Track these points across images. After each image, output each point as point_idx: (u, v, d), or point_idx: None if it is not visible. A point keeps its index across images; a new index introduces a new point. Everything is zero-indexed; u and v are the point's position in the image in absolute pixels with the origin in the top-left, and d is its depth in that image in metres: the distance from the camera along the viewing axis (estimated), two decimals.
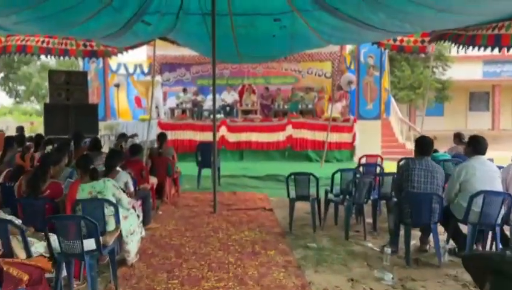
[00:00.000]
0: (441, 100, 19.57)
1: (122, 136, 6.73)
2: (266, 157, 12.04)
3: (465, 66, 19.74)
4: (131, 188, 4.71)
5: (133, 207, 4.69)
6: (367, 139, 11.86)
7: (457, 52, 20.56)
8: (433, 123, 19.31)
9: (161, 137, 6.99)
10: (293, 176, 5.36)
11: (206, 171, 8.26)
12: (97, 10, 5.69)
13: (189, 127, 12.12)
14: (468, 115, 22.87)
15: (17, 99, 30.58)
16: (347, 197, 5.02)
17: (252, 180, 8.94)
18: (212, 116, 12.48)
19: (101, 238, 3.43)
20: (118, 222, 3.87)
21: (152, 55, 15.49)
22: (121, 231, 3.92)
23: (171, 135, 12.03)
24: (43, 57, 9.94)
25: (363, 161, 7.36)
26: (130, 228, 4.08)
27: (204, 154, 7.91)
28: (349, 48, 15.94)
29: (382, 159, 7.14)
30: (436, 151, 6.87)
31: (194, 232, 5.31)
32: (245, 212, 6.28)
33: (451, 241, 4.51)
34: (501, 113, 21.69)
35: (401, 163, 4.37)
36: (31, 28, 6.04)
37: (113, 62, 14.73)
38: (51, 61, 28.88)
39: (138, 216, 4.69)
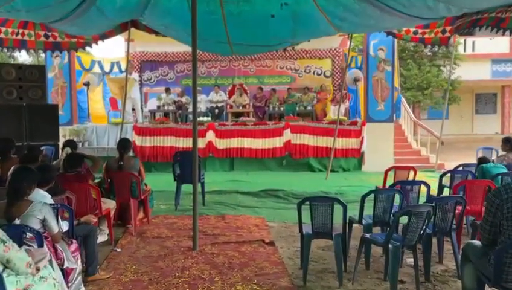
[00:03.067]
0: (449, 102, 18.07)
1: (69, 143, 4.96)
2: (261, 166, 10.37)
3: (473, 66, 18.30)
4: (54, 229, 2.95)
5: (60, 259, 2.95)
6: (378, 145, 10.23)
7: (464, 50, 19.30)
8: (438, 127, 17.88)
9: (122, 145, 5.20)
10: (308, 202, 3.61)
11: (188, 187, 6.55)
12: None
13: (171, 132, 10.36)
14: (474, 118, 21.41)
15: None
16: (393, 235, 3.30)
17: (245, 197, 7.22)
18: (198, 119, 10.89)
19: None
20: None
21: (132, 52, 13.89)
22: None
23: (149, 142, 10.32)
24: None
25: (391, 176, 5.65)
26: None
27: (184, 166, 6.16)
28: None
29: (416, 171, 5.46)
30: (486, 160, 5.25)
31: (161, 287, 3.57)
32: (237, 247, 4.54)
33: None
34: (510, 116, 20.25)
35: (494, 191, 2.65)
36: None
37: (86, 59, 12.99)
38: (27, 61, 26.86)
39: (64, 272, 2.95)
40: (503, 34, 6.49)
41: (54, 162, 5.34)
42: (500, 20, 6.14)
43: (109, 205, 4.66)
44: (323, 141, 10.27)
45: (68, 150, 4.75)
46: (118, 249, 4.54)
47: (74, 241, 3.37)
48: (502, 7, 5.88)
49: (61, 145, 8.54)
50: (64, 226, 3.42)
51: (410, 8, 5.42)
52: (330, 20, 6.44)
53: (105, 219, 4.67)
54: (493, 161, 5.71)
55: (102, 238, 4.75)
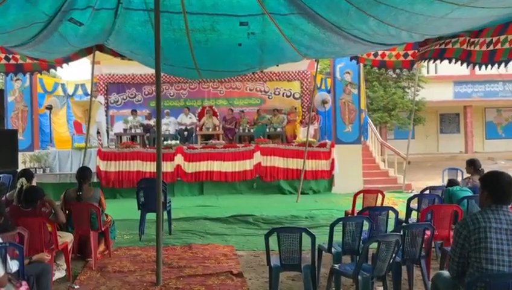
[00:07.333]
0: (414, 122, 18.58)
1: (24, 174, 4.67)
2: (231, 190, 10.23)
3: (436, 87, 18.93)
4: (0, 271, 2.71)
5: None
6: (347, 167, 10.32)
7: (428, 72, 19.98)
8: (404, 146, 18.26)
9: (81, 174, 4.94)
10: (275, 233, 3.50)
11: (153, 215, 6.28)
12: None
13: (137, 156, 10.07)
14: (439, 138, 22.03)
15: None
16: (363, 265, 3.22)
17: (213, 223, 7.02)
18: (167, 142, 10.67)
19: None
20: None
21: (98, 74, 13.57)
22: None
23: (114, 167, 9.98)
24: None
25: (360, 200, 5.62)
26: None
27: (149, 194, 5.93)
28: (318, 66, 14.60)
29: (384, 195, 5.46)
30: (455, 183, 5.30)
31: None
32: (203, 281, 4.33)
33: None
34: (473, 135, 20.94)
35: (461, 222, 2.62)
36: None
37: (49, 81, 12.58)
38: None
39: None
40: (473, 68, 6.57)
41: (9, 193, 5.01)
42: (469, 53, 6.19)
43: (66, 238, 4.38)
44: (294, 163, 10.25)
45: (23, 180, 4.45)
46: (76, 286, 4.25)
47: (24, 282, 3.12)
48: (463, 33, 6.03)
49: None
50: (14, 265, 3.16)
51: (373, 36, 5.51)
52: (296, 48, 6.48)
53: (62, 253, 4.39)
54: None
55: (59, 274, 4.46)
